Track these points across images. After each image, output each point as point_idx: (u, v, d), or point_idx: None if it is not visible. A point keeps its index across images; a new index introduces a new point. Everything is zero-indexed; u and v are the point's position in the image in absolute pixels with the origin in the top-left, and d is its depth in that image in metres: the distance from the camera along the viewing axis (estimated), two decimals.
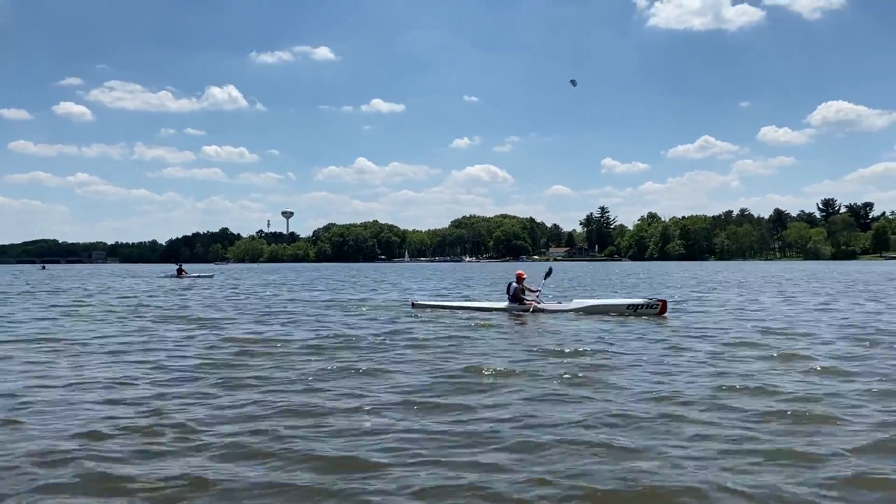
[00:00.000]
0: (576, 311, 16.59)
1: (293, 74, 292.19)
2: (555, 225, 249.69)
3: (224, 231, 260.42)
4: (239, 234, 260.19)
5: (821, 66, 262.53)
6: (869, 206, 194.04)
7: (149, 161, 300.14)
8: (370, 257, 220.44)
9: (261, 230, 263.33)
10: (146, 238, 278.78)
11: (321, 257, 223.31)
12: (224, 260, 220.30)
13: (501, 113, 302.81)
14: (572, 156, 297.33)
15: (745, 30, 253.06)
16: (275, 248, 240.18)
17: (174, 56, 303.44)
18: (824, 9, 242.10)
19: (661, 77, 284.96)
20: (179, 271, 49.63)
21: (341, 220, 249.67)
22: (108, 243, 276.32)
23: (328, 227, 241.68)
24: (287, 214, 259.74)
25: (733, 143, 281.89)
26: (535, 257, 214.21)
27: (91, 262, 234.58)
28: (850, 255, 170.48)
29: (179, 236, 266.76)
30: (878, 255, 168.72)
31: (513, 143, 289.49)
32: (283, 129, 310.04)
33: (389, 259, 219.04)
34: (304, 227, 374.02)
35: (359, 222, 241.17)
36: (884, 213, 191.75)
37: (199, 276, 49.82)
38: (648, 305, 16.16)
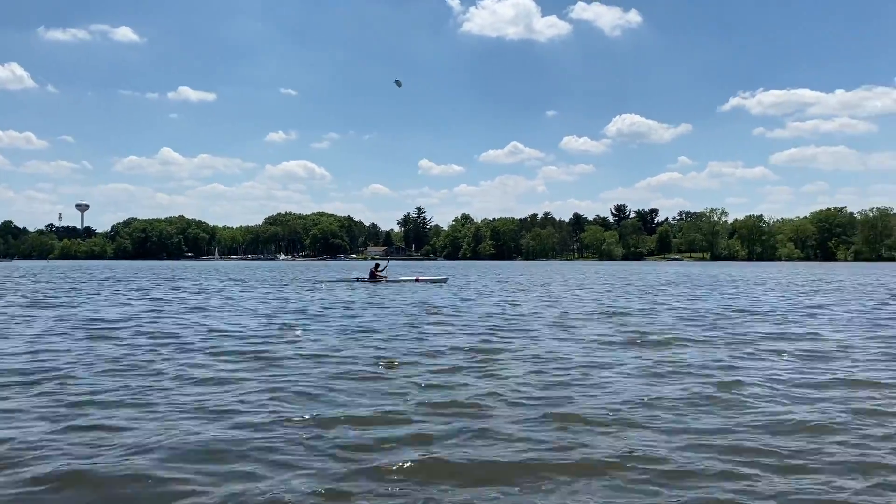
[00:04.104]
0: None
1: (90, 55, 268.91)
2: (373, 224, 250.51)
3: (7, 224, 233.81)
4: (25, 229, 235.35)
5: (618, 81, 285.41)
6: (655, 212, 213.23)
7: None
8: (176, 254, 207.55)
9: (51, 224, 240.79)
10: None
11: (120, 254, 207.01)
12: (8, 257, 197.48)
13: (319, 108, 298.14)
14: (391, 155, 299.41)
15: (554, 41, 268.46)
16: (67, 243, 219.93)
17: None
18: (623, 27, 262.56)
19: (475, 82, 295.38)
20: (373, 275, 35.34)
21: (143, 215, 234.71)
22: None
23: (129, 222, 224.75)
24: (82, 207, 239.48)
25: (540, 150, 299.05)
26: (353, 256, 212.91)
27: None
28: (639, 257, 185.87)
29: None
30: (662, 256, 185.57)
31: (331, 140, 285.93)
32: (78, 114, 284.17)
33: (197, 256, 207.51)
34: (102, 222, 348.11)
35: (163, 217, 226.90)
36: (667, 218, 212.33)
37: (422, 280, 36.17)
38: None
